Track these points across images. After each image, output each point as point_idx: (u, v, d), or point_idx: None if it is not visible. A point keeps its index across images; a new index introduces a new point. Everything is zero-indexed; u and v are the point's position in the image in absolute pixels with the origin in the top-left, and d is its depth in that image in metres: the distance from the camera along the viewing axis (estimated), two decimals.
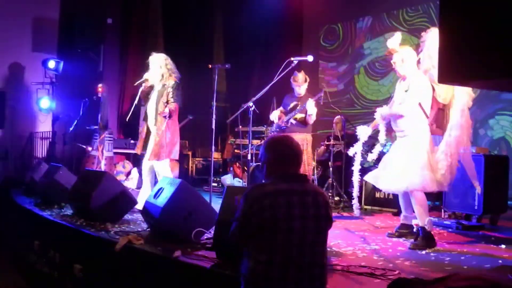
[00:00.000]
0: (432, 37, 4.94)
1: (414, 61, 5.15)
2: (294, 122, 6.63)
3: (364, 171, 8.45)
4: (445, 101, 4.97)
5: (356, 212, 5.84)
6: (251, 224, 2.66)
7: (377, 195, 7.69)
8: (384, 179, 5.22)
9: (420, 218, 4.89)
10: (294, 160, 2.87)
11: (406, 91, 5.08)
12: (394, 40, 5.24)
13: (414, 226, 5.04)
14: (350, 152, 5.63)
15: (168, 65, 6.70)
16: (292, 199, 2.67)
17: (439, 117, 5.09)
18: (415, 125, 5.02)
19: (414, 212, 5.07)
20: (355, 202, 5.70)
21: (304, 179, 2.88)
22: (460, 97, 4.82)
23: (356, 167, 5.61)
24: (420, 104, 4.97)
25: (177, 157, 6.78)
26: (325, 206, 2.77)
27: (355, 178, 5.60)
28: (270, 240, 2.63)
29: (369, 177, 5.52)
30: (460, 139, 4.83)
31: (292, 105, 6.74)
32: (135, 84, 6.69)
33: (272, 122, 6.89)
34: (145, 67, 6.81)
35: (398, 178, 5.00)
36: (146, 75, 6.66)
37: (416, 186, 4.88)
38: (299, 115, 6.66)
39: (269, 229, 2.63)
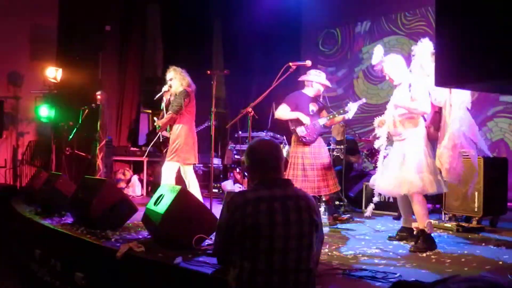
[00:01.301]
0: (422, 48, 4.95)
1: (404, 64, 5.19)
2: (322, 125, 6.45)
3: (364, 175, 8.51)
4: (440, 104, 4.95)
5: (369, 212, 5.84)
6: (234, 232, 2.64)
7: (377, 198, 7.67)
8: (384, 183, 5.21)
9: (420, 221, 4.89)
10: (274, 164, 2.83)
11: (410, 96, 5.03)
12: (377, 55, 5.27)
13: (414, 229, 5.04)
14: (376, 144, 5.58)
15: (183, 76, 6.79)
16: (274, 205, 2.64)
17: (436, 120, 5.08)
18: (412, 128, 5.03)
19: (414, 215, 5.08)
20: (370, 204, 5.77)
21: (286, 183, 2.84)
22: (457, 94, 4.76)
23: (379, 163, 5.48)
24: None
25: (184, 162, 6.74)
26: (307, 210, 2.71)
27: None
28: (253, 247, 2.61)
29: (371, 182, 5.52)
30: (461, 133, 4.77)
31: (329, 115, 6.50)
32: (155, 98, 6.84)
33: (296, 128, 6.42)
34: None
35: (397, 182, 4.99)
36: (165, 88, 6.77)
37: (416, 189, 4.87)
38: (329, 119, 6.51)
39: (251, 236, 2.60)
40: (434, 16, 10.24)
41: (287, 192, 2.73)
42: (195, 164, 6.90)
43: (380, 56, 5.25)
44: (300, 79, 6.78)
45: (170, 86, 6.73)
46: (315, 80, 6.48)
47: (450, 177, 4.84)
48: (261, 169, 2.81)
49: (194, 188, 6.39)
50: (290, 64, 5.82)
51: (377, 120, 5.52)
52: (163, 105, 6.77)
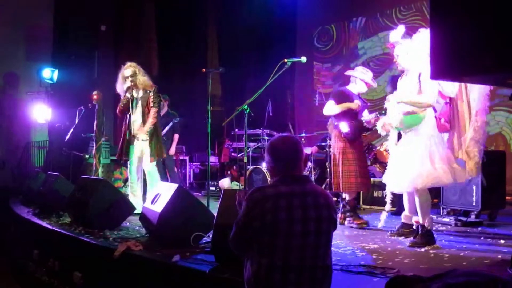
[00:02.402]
0: (420, 38, 4.88)
1: (416, 54, 5.02)
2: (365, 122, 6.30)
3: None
4: (451, 94, 4.84)
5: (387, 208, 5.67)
6: (252, 228, 2.63)
7: (375, 194, 7.69)
8: (397, 180, 5.05)
9: (422, 216, 4.82)
10: (294, 161, 2.81)
11: (417, 82, 4.90)
12: (397, 33, 5.16)
13: (414, 224, 5.02)
14: (382, 148, 5.51)
15: (142, 72, 6.98)
16: (293, 201, 2.63)
17: (446, 111, 4.93)
18: (428, 117, 4.88)
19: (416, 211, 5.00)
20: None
21: (305, 180, 2.84)
22: (477, 86, 4.68)
23: (390, 163, 5.36)
24: None
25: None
26: (326, 207, 2.71)
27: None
28: (271, 243, 2.60)
29: (384, 179, 5.37)
30: (485, 125, 4.72)
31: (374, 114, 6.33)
32: (122, 104, 6.92)
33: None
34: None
35: (411, 177, 4.83)
36: (127, 83, 6.84)
37: (431, 181, 4.75)
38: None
39: (270, 232, 2.59)
40: (429, 10, 10.24)
41: (306, 189, 2.72)
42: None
43: (398, 37, 5.14)
44: (346, 73, 6.66)
45: (132, 82, 6.81)
46: (360, 77, 6.37)
47: (477, 171, 4.77)
48: (282, 165, 2.80)
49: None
50: (285, 60, 5.80)
51: (380, 123, 5.30)
52: (125, 101, 6.89)
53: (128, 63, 6.99)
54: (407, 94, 4.93)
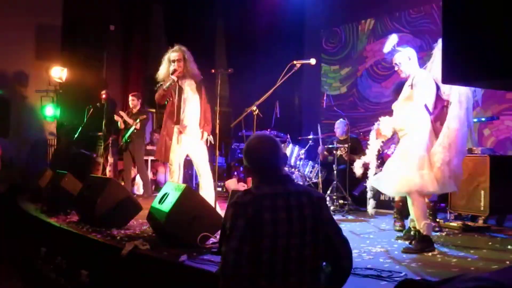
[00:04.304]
0: (440, 47, 4.85)
1: (416, 59, 5.04)
2: None
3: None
4: (448, 98, 4.81)
5: (371, 211, 5.65)
6: (237, 227, 2.52)
7: (382, 197, 7.67)
8: (385, 182, 5.04)
9: (417, 221, 4.77)
10: (272, 161, 2.73)
11: (409, 86, 4.93)
12: (390, 42, 5.16)
13: (412, 229, 4.99)
14: (363, 159, 5.52)
15: (192, 59, 6.33)
16: (277, 202, 2.57)
17: (443, 115, 4.88)
18: (416, 123, 4.86)
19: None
20: (370, 202, 5.58)
21: (287, 179, 2.76)
22: (458, 89, 4.64)
23: (371, 173, 5.37)
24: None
25: None
26: (310, 205, 2.63)
27: (369, 184, 5.43)
28: (256, 247, 2.51)
29: (373, 181, 5.34)
30: (458, 132, 4.66)
31: None
32: (165, 87, 6.11)
33: None
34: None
35: (397, 180, 4.84)
36: (172, 67, 6.14)
37: (416, 187, 4.71)
38: None
39: (254, 235, 2.51)
40: (438, 13, 10.17)
41: (288, 189, 2.66)
42: None
43: (393, 45, 5.12)
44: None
45: (179, 67, 6.16)
46: None
47: (442, 177, 4.70)
48: (260, 167, 2.74)
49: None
50: (295, 62, 5.80)
51: (374, 131, 5.37)
52: (165, 87, 6.16)
53: (177, 46, 6.30)
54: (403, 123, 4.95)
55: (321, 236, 2.65)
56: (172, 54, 6.21)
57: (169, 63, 6.19)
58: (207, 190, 6.20)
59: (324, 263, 2.74)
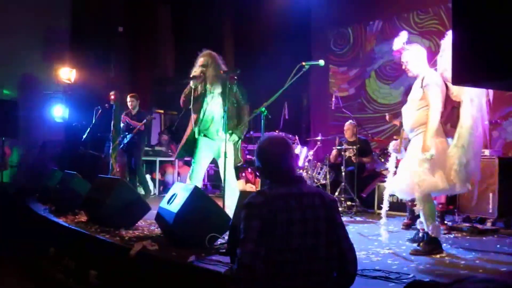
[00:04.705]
0: (448, 41, 4.79)
1: (424, 57, 4.97)
2: None
3: (377, 176, 8.48)
4: (457, 99, 4.73)
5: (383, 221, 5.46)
6: (252, 228, 2.52)
7: (390, 199, 7.63)
8: (397, 184, 4.98)
9: (426, 223, 4.74)
10: (285, 162, 2.73)
11: (420, 87, 4.85)
12: (400, 39, 5.12)
13: (420, 231, 4.97)
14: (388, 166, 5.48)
15: (216, 64, 6.14)
16: (291, 202, 2.58)
17: (454, 116, 4.81)
18: (425, 124, 4.76)
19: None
20: (383, 212, 5.43)
21: (300, 180, 2.76)
22: (469, 89, 4.55)
23: (388, 184, 5.29)
24: None
25: None
26: (323, 207, 2.63)
27: (386, 193, 5.34)
28: (271, 248, 2.51)
29: (387, 184, 5.30)
30: (474, 131, 4.57)
31: None
32: (184, 95, 6.05)
33: None
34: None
35: (409, 182, 4.76)
36: (196, 71, 6.04)
37: (429, 188, 4.66)
38: None
39: (269, 236, 2.51)
40: (447, 14, 10.08)
41: (302, 190, 2.66)
42: None
43: (402, 43, 5.06)
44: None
45: (202, 73, 6.02)
46: None
47: (459, 180, 4.61)
48: (273, 167, 2.74)
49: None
50: (303, 63, 5.79)
51: (392, 145, 5.34)
52: (187, 92, 6.07)
53: (206, 51, 6.18)
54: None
55: (333, 238, 2.65)
56: (199, 59, 6.13)
57: (197, 67, 6.09)
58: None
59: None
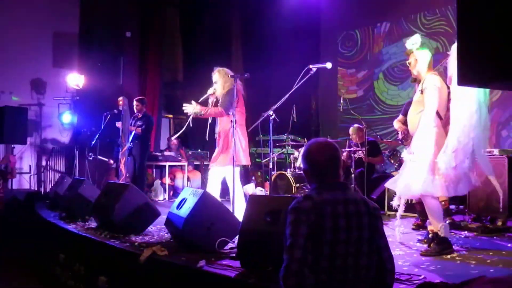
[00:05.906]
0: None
1: (427, 62, 5.01)
2: None
3: (386, 177, 8.44)
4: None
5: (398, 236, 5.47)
6: (300, 235, 2.49)
7: (397, 202, 7.59)
8: (400, 184, 5.01)
9: (434, 224, 4.75)
10: (333, 168, 2.73)
11: (420, 90, 4.92)
12: (412, 42, 5.15)
13: (430, 232, 4.95)
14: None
15: (223, 80, 6.38)
16: (337, 209, 2.55)
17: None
18: (428, 126, 4.81)
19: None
20: (398, 214, 5.40)
21: (346, 187, 2.75)
22: (463, 94, 4.55)
23: (389, 183, 5.34)
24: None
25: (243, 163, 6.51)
26: (367, 214, 2.62)
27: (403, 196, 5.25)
28: (317, 255, 2.49)
29: (389, 184, 5.33)
30: (464, 129, 4.56)
31: None
32: (200, 100, 6.30)
33: None
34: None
35: (412, 183, 4.79)
36: (210, 90, 6.40)
37: (427, 191, 4.69)
38: None
39: (316, 242, 2.49)
40: (454, 15, 10.08)
41: (347, 196, 2.64)
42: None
43: (412, 44, 5.10)
44: None
45: (214, 89, 6.36)
46: None
47: (449, 182, 4.64)
48: (319, 172, 2.73)
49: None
50: (311, 66, 5.79)
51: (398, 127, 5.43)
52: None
53: (217, 68, 6.49)
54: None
55: (374, 247, 2.65)
56: (213, 75, 6.44)
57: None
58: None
59: None
